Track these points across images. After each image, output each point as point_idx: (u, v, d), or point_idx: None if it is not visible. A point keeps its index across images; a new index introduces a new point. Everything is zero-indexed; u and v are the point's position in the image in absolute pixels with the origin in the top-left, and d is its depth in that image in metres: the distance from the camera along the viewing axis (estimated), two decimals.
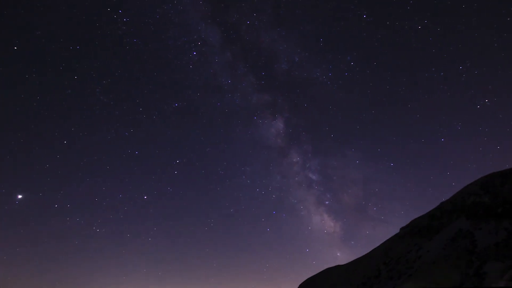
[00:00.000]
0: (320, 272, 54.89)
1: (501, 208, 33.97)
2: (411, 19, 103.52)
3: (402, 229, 47.36)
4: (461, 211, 38.84)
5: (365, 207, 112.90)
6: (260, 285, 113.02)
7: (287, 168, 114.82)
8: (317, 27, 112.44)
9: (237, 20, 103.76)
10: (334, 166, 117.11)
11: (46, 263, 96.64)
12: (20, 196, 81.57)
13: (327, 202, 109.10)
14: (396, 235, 47.16)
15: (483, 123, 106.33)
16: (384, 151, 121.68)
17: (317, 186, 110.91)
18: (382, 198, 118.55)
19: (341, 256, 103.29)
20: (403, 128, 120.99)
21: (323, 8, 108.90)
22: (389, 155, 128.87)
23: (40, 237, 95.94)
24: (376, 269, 39.76)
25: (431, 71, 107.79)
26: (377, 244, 47.82)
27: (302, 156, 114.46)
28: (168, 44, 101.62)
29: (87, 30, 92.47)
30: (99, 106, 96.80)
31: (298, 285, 56.28)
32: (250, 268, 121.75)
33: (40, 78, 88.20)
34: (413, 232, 43.30)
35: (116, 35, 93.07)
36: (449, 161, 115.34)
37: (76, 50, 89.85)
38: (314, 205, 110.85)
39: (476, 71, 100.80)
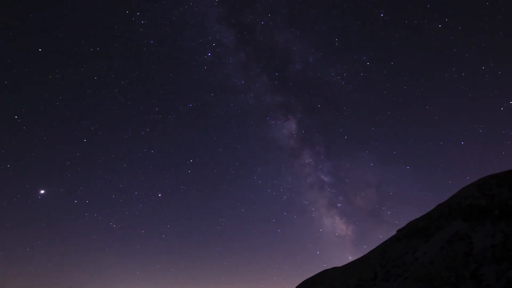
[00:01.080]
0: (317, 274, 54.66)
1: (498, 211, 33.93)
2: (431, 17, 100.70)
3: (398, 231, 47.26)
4: (458, 214, 38.78)
5: (379, 211, 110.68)
6: (270, 285, 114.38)
7: (299, 169, 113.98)
8: (333, 26, 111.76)
9: (252, 21, 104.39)
10: (347, 168, 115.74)
11: (64, 256, 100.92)
12: (42, 191, 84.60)
13: (339, 205, 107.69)
14: (393, 237, 47.06)
15: (507, 126, 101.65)
16: (400, 153, 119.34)
17: (329, 188, 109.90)
18: (397, 202, 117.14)
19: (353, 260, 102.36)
20: (421, 131, 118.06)
21: (338, 7, 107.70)
22: (405, 158, 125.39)
23: (60, 231, 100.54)
24: (372, 271, 39.61)
25: (451, 71, 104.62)
26: None
27: (314, 157, 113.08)
28: (183, 45, 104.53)
29: (107, 32, 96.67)
30: (117, 106, 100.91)
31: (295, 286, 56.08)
32: (260, 268, 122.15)
33: (62, 79, 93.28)
34: (410, 234, 43.20)
35: (134, 37, 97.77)
36: (469, 165, 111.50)
37: (96, 51, 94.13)
38: (326, 207, 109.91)
39: (500, 71, 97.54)
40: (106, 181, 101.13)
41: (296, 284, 51.61)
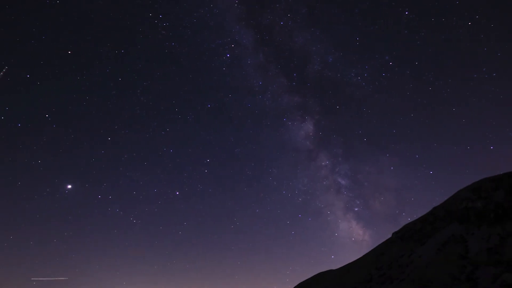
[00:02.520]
0: (313, 276, 54.50)
1: (494, 213, 33.95)
2: (459, 14, 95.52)
3: (394, 233, 47.21)
4: (454, 216, 38.79)
5: (398, 217, 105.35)
6: (282, 287, 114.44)
7: (315, 171, 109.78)
8: (354, 25, 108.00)
9: (271, 22, 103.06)
10: (366, 171, 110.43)
11: (88, 248, 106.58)
12: (69, 186, 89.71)
13: (356, 209, 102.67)
14: (389, 239, 47.00)
15: None
16: (423, 157, 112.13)
17: (346, 191, 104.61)
18: (418, 208, 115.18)
19: None
20: (446, 134, 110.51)
21: (361, 6, 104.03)
22: (428, 162, 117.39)
23: (84, 225, 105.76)
24: (368, 274, 39.48)
25: (482, 71, 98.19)
26: None
27: (331, 159, 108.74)
28: (203, 47, 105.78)
29: (131, 35, 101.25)
30: (139, 106, 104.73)
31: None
32: (273, 269, 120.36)
33: (89, 80, 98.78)
34: (405, 237, 43.16)
35: (156, 39, 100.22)
36: (498, 171, 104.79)
37: (121, 53, 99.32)
38: (342, 211, 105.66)
39: None
40: (127, 178, 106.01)
41: None
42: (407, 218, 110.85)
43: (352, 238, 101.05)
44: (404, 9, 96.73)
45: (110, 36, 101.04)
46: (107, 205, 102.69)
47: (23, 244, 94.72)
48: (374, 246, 47.30)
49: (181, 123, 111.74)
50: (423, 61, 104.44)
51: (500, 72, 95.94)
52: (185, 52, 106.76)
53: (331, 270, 52.72)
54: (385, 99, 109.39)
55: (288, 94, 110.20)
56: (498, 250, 28.90)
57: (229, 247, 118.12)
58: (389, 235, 46.78)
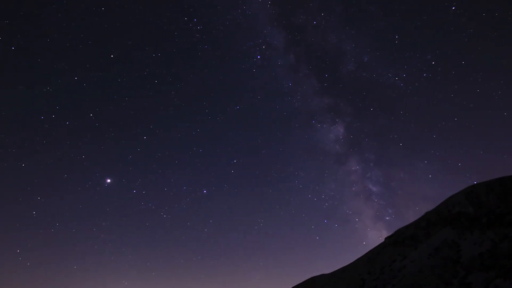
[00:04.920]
0: (305, 280, 54.07)
1: (486, 219, 33.93)
2: None
3: (387, 238, 47.04)
4: (446, 221, 38.74)
5: None
6: None
7: (344, 176, 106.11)
8: (393, 23, 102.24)
9: (304, 21, 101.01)
10: (400, 178, 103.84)
11: (122, 238, 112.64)
12: (108, 180, 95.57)
13: (387, 218, 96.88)
14: (381, 244, 46.80)
15: None
16: (466, 165, 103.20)
17: (377, 198, 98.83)
18: None
19: None
20: (495, 140, 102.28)
21: (402, 2, 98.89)
22: (473, 171, 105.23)
23: (120, 217, 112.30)
24: (360, 279, 39.18)
25: None
26: None
27: (362, 164, 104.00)
28: (235, 49, 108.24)
29: (168, 39, 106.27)
30: (173, 107, 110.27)
31: None
32: (295, 272, 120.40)
33: (129, 82, 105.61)
34: (398, 241, 43.00)
35: (190, 42, 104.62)
36: None
37: (157, 57, 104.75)
38: (372, 219, 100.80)
39: None
40: (160, 175, 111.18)
41: None
42: None
43: None
44: (450, 3, 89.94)
45: (148, 40, 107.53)
46: (140, 199, 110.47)
47: (67, 231, 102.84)
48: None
49: (211, 124, 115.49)
50: (470, 60, 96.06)
51: None
52: (217, 55, 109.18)
53: (324, 274, 52.34)
54: (425, 101, 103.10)
55: (319, 95, 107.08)
56: (491, 255, 28.80)
57: (252, 247, 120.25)
58: None
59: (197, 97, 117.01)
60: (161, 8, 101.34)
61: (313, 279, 52.46)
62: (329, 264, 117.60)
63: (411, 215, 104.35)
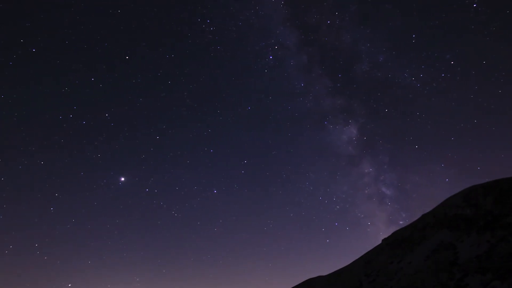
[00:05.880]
0: (302, 282, 53.92)
1: (483, 221, 33.90)
2: None
3: (384, 240, 46.98)
4: (443, 223, 38.71)
5: None
6: None
7: (357, 178, 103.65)
8: (410, 21, 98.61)
9: (317, 21, 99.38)
10: (415, 182, 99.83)
11: (135, 235, 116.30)
12: (122, 179, 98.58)
13: (401, 222, 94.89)
14: (378, 246, 46.74)
15: None
16: (486, 169, 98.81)
17: (390, 202, 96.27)
18: None
19: None
20: None
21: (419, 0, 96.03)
22: (493, 176, 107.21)
23: (133, 214, 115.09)
24: (357, 280, 39.10)
25: None
26: None
27: (376, 167, 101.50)
28: (247, 49, 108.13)
29: (181, 40, 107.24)
30: (185, 108, 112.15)
31: None
32: (305, 275, 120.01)
33: (143, 83, 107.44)
34: (395, 243, 42.94)
35: (203, 43, 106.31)
36: None
37: (171, 58, 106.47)
38: (385, 223, 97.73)
39: None
40: (172, 175, 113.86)
41: None
42: None
43: None
44: (472, 0, 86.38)
45: (162, 42, 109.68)
46: (152, 198, 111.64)
47: (83, 227, 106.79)
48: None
49: (222, 124, 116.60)
50: (492, 60, 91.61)
51: None
52: (229, 56, 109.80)
53: (321, 276, 52.22)
54: (443, 102, 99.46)
55: (331, 96, 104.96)
56: (488, 257, 28.76)
57: (261, 248, 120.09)
58: None
59: (209, 98, 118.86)
60: (175, 10, 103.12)
61: (310, 281, 52.31)
62: (339, 267, 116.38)
63: None
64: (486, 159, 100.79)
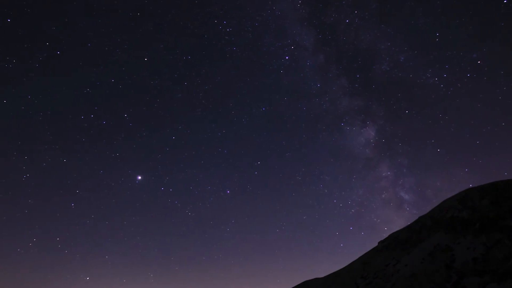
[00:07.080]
0: (298, 284, 53.74)
1: (479, 223, 33.93)
2: None
3: (380, 242, 46.93)
4: (440, 226, 38.72)
5: None
6: None
7: (373, 182, 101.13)
8: (434, 19, 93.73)
9: (335, 20, 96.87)
10: (436, 187, 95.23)
11: (150, 232, 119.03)
12: (139, 177, 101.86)
13: None
14: (374, 248, 46.69)
15: None
16: None
17: (409, 207, 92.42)
18: None
19: None
20: None
21: None
22: None
23: (148, 212, 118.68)
24: (353, 282, 38.98)
25: None
26: None
27: (394, 170, 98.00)
28: (263, 50, 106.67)
29: (198, 41, 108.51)
30: (200, 109, 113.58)
31: None
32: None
33: (160, 84, 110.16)
34: (391, 246, 42.90)
35: (219, 45, 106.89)
36: None
37: (188, 59, 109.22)
38: None
39: None
40: (186, 174, 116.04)
41: None
42: None
43: None
44: None
45: (179, 43, 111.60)
46: (167, 197, 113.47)
47: (101, 223, 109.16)
48: None
49: (236, 125, 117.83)
50: None
51: None
52: (245, 56, 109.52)
53: (317, 278, 52.07)
54: (468, 104, 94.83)
55: (349, 97, 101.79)
56: (484, 259, 28.76)
57: (273, 250, 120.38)
58: None
59: (224, 99, 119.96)
60: (192, 11, 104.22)
61: (306, 283, 52.15)
62: None
63: None
64: None
